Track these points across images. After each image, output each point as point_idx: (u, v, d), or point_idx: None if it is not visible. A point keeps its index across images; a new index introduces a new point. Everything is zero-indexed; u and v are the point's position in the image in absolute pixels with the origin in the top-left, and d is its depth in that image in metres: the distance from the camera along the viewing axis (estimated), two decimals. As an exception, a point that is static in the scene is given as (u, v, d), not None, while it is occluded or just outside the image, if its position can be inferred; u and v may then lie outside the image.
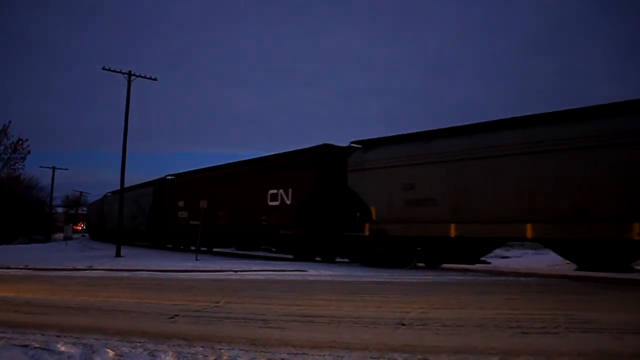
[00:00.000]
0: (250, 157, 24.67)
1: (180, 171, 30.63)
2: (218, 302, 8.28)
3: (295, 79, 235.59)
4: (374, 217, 16.59)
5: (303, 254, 20.01)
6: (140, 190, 35.04)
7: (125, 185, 37.52)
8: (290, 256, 21.19)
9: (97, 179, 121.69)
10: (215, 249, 28.06)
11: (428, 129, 15.74)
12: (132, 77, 24.94)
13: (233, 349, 5.00)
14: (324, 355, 4.79)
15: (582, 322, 6.44)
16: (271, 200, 20.79)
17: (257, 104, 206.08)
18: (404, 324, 6.32)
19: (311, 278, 13.12)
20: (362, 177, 17.11)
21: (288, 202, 19.99)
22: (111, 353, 4.84)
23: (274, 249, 22.85)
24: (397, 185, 15.89)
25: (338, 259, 19.91)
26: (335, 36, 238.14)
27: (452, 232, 14.32)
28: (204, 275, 13.88)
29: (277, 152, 21.80)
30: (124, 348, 5.01)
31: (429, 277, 13.53)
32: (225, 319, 6.81)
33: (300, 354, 4.82)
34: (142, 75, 25.35)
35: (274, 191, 20.71)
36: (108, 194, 44.09)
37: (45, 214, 60.81)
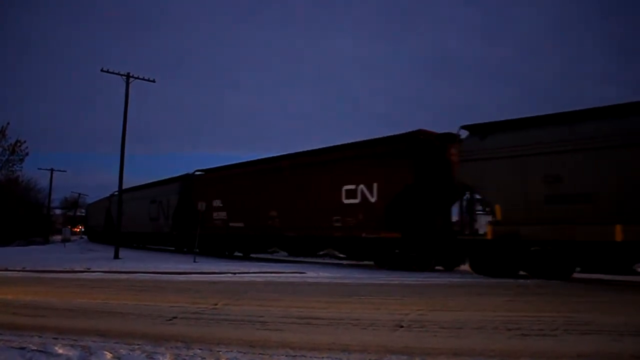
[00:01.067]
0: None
1: (206, 167, 27.77)
2: (216, 304, 8.27)
3: (295, 80, 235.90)
4: (499, 217, 13.77)
5: (392, 261, 16.94)
6: (161, 188, 31.08)
7: (137, 184, 37.02)
8: (368, 263, 18.73)
9: (95, 180, 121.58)
10: (255, 254, 24.92)
11: (569, 110, 13.00)
12: (131, 79, 24.93)
13: (231, 351, 5.00)
14: (323, 357, 4.78)
15: (581, 324, 6.44)
16: (347, 198, 17.52)
17: (257, 105, 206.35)
18: (402, 326, 6.31)
19: (310, 280, 13.10)
20: (481, 168, 14.09)
21: (372, 200, 16.72)
22: (109, 355, 4.83)
23: (342, 255, 19.55)
24: (535, 177, 13.02)
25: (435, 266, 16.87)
26: (335, 38, 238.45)
27: (618, 236, 11.53)
28: (202, 277, 13.85)
29: (351, 142, 18.67)
30: (121, 350, 5.00)
31: (427, 279, 13.51)
32: (224, 321, 6.79)
33: (299, 356, 4.81)
34: (141, 77, 25.34)
35: (351, 187, 17.41)
36: (116, 193, 41.20)
37: (44, 216, 60.69)
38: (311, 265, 18.36)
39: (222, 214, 23.87)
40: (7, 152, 44.74)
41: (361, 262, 19.46)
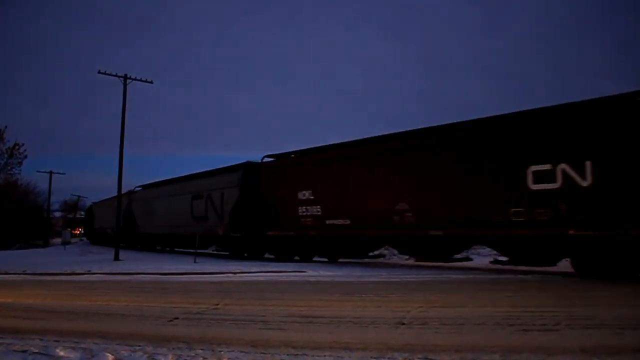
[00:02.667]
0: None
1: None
2: (217, 304, 8.26)
3: (294, 79, 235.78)
4: None
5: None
6: (211, 179, 25.10)
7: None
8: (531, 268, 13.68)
9: (94, 183, 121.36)
10: (361, 259, 19.10)
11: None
12: (128, 81, 24.91)
13: (233, 350, 4.99)
14: (325, 355, 4.78)
15: (582, 319, 6.44)
16: (536, 182, 12.89)
17: (256, 105, 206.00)
18: (404, 323, 6.31)
19: (311, 279, 13.10)
20: None
21: (584, 184, 12.02)
22: (110, 357, 4.83)
23: (505, 258, 14.27)
24: None
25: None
26: (333, 37, 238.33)
27: None
28: (203, 278, 13.85)
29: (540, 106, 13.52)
30: (123, 352, 4.99)
31: (428, 276, 13.52)
32: (225, 321, 6.79)
33: (301, 355, 4.81)
34: (138, 78, 25.34)
35: (544, 167, 12.75)
36: (138, 189, 35.07)
37: (43, 219, 60.68)
38: (311, 264, 18.34)
39: (315, 209, 18.71)
40: (6, 155, 44.86)
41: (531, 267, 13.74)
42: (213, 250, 26.57)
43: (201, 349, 5.05)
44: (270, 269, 15.61)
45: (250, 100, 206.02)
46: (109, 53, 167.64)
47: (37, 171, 56.91)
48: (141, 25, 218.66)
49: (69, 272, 16.12)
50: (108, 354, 4.90)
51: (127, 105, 24.93)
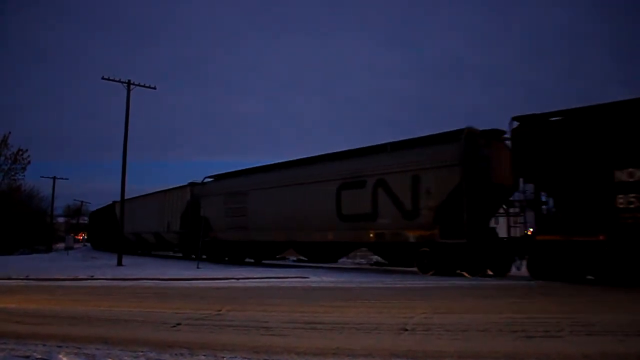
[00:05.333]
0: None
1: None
2: (220, 310, 8.25)
3: (301, 85, 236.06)
4: None
5: None
6: (383, 158, 17.19)
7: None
8: None
9: (98, 188, 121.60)
10: None
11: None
12: (132, 86, 25.00)
13: (236, 357, 4.98)
14: (327, 362, 4.77)
15: (586, 325, 6.41)
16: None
17: (263, 111, 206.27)
18: (407, 330, 6.29)
19: (313, 284, 13.08)
20: None
21: None
22: (113, 363, 4.83)
23: None
24: None
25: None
26: (340, 43, 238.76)
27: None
28: (205, 284, 13.85)
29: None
30: (126, 357, 4.99)
31: (430, 282, 13.49)
32: (228, 327, 6.78)
33: (303, 361, 4.80)
34: (142, 84, 25.42)
35: None
36: (208, 180, 26.57)
37: (47, 224, 60.74)
38: (314, 269, 18.32)
39: None
40: (9, 161, 44.98)
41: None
42: (375, 266, 20.26)
43: (204, 355, 5.04)
44: (272, 275, 15.59)
45: (256, 105, 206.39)
46: (116, 59, 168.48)
47: (41, 176, 57.18)
48: (149, 32, 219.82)
49: (71, 277, 16.12)
50: (111, 360, 4.90)
51: (132, 111, 24.97)
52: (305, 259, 22.00)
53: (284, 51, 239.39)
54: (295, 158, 21.23)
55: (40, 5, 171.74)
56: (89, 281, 15.03)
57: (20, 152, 45.08)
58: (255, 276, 15.27)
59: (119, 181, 25.69)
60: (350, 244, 19.95)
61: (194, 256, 25.64)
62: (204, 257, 24.22)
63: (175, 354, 5.09)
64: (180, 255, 28.37)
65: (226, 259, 24.58)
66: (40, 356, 5.08)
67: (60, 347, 5.49)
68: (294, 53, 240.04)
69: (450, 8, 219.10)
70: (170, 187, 29.02)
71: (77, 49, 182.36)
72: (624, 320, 6.86)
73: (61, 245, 57.56)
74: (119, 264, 23.55)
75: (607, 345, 5.33)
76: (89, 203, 77.77)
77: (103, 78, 24.53)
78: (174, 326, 6.86)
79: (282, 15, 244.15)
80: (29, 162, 45.93)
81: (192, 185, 26.83)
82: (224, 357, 4.95)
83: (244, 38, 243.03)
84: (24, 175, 47.57)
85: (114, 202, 38.19)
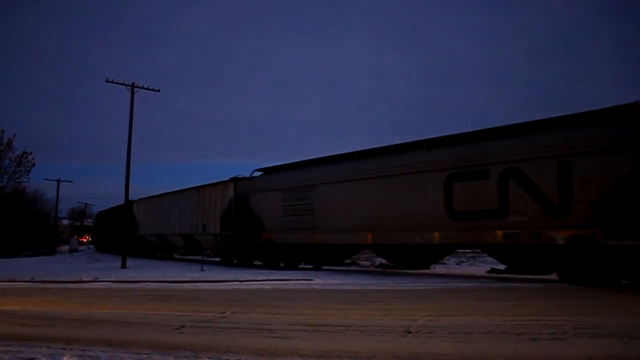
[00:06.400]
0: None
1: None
2: (224, 313, 8.26)
3: (304, 87, 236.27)
4: None
5: None
6: (515, 141, 13.89)
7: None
8: None
9: (102, 190, 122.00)
10: None
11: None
12: (135, 89, 25.06)
13: (239, 359, 4.99)
14: (331, 364, 4.77)
15: (590, 327, 6.40)
16: None
17: (267, 114, 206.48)
18: (410, 332, 6.29)
19: (317, 287, 13.08)
20: None
21: None
22: (117, 365, 4.84)
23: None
24: None
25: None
26: (343, 45, 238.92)
27: None
28: (209, 286, 13.85)
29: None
30: (130, 359, 5.00)
31: (433, 284, 13.47)
32: (232, 329, 6.79)
33: (307, 364, 4.80)
34: (145, 86, 25.47)
35: None
36: (257, 174, 22.98)
37: (51, 227, 60.93)
38: (318, 272, 18.31)
39: None
40: (14, 163, 45.12)
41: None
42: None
43: (207, 357, 5.05)
44: (276, 277, 15.58)
45: (260, 108, 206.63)
46: (120, 62, 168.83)
47: (45, 179, 57.23)
48: (153, 35, 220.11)
49: (76, 279, 16.16)
50: (115, 362, 4.92)
51: (136, 114, 25.01)
52: (391, 264, 18.28)
53: (287, 53, 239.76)
54: (377, 146, 17.64)
55: (43, 8, 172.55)
56: (93, 283, 15.06)
57: (25, 155, 45.23)
58: (259, 278, 15.27)
59: (123, 183, 25.74)
60: (458, 247, 17.53)
61: (236, 261, 23.46)
62: (255, 262, 22.50)
63: (179, 357, 5.10)
64: (219, 260, 24.63)
65: (282, 264, 21.02)
66: (44, 358, 5.10)
67: (64, 349, 5.51)
68: (297, 54, 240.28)
69: (453, 9, 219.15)
70: (208, 183, 25.40)
71: (81, 51, 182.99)
72: (628, 323, 6.84)
73: (65, 247, 57.74)
74: (123, 266, 23.59)
75: (611, 348, 5.31)
76: (93, 205, 78.07)
77: (107, 81, 24.60)
78: (178, 328, 6.87)
79: (284, 16, 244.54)
80: (33, 165, 46.07)
81: (235, 180, 23.26)
82: (227, 360, 4.96)
83: (246, 40, 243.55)
84: (29, 178, 47.69)
85: (131, 201, 34.32)
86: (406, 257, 17.48)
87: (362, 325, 6.85)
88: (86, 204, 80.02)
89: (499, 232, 13.56)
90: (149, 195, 34.38)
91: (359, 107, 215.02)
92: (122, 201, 28.33)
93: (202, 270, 19.99)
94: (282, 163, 21.55)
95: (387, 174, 16.34)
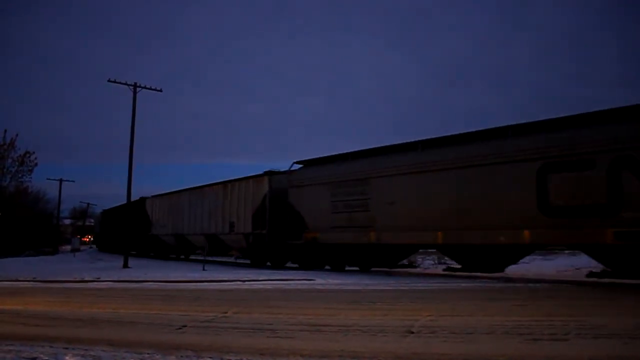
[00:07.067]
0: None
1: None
2: (226, 312, 8.26)
3: (309, 87, 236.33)
4: None
5: None
6: None
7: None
8: None
9: (104, 190, 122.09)
10: None
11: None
12: (138, 89, 25.09)
13: (241, 359, 4.99)
14: (333, 364, 4.77)
15: (593, 328, 6.38)
16: None
17: (271, 114, 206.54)
18: (412, 332, 6.28)
19: (318, 287, 13.07)
20: None
21: None
22: (119, 365, 4.84)
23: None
24: None
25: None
26: (346, 46, 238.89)
27: None
28: (211, 286, 13.86)
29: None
30: (131, 359, 5.00)
31: (435, 284, 13.45)
32: (234, 329, 6.79)
33: (309, 364, 4.80)
34: (148, 86, 25.51)
35: None
36: (296, 166, 20.62)
37: (53, 226, 61.03)
38: (320, 272, 18.30)
39: None
40: (17, 163, 45.27)
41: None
42: None
43: (209, 357, 5.05)
44: (278, 277, 15.58)
45: (264, 108, 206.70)
46: (122, 62, 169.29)
47: (47, 179, 57.36)
48: (156, 35, 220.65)
49: (78, 279, 16.18)
50: (117, 362, 4.92)
51: (139, 114, 25.04)
52: (459, 265, 15.88)
53: (291, 53, 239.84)
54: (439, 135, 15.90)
55: (45, 8, 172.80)
56: (95, 283, 15.08)
57: (27, 155, 45.40)
58: (261, 278, 15.28)
59: (125, 183, 25.75)
60: (549, 246, 15.85)
61: (269, 263, 21.48)
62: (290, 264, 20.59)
63: (181, 356, 5.10)
64: (248, 262, 22.58)
65: (327, 267, 19.06)
66: (46, 358, 5.10)
67: (66, 348, 5.52)
68: (301, 55, 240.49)
69: (456, 10, 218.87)
70: (236, 178, 23.17)
71: (83, 51, 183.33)
72: (630, 323, 6.82)
73: (67, 247, 57.83)
74: (125, 266, 23.61)
75: (613, 349, 5.30)
76: (95, 205, 78.08)
77: (109, 80, 24.65)
78: (180, 328, 6.87)
79: (288, 17, 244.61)
80: (35, 165, 46.23)
81: (270, 174, 21.14)
82: (229, 359, 4.96)
83: (250, 40, 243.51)
84: (31, 178, 47.90)
85: (144, 198, 33.26)
86: (481, 258, 15.06)
87: (363, 325, 6.84)
88: (88, 204, 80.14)
89: (609, 231, 11.75)
90: (154, 194, 32.88)
91: (363, 107, 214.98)
92: (124, 201, 28.11)
93: (203, 270, 20.00)
94: (328, 155, 19.39)
95: (463, 165, 14.47)
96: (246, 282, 14.36)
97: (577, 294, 10.86)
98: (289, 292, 12.09)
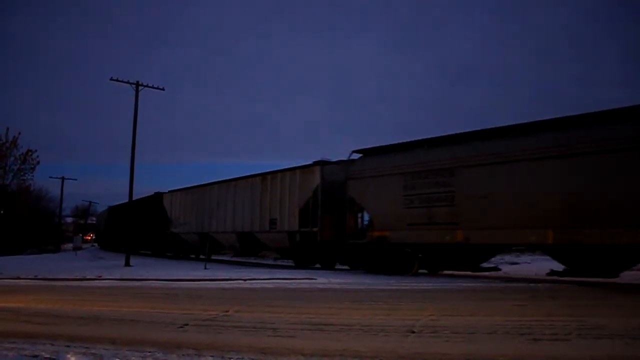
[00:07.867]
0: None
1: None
2: (227, 311, 8.27)
3: (311, 87, 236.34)
4: None
5: None
6: None
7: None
8: None
9: (106, 189, 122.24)
10: None
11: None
12: (140, 87, 25.10)
13: (243, 358, 4.99)
14: (334, 363, 4.77)
15: (594, 328, 6.38)
16: None
17: (272, 113, 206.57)
18: (414, 332, 6.28)
19: (320, 286, 13.08)
20: None
21: None
22: (121, 363, 4.85)
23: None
24: None
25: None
26: (348, 45, 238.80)
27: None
28: (213, 284, 13.87)
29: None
30: (133, 358, 5.01)
31: (437, 284, 13.45)
32: (235, 328, 6.79)
33: (310, 363, 4.80)
34: (150, 85, 25.52)
35: None
36: (355, 155, 18.17)
37: (55, 224, 61.13)
38: (321, 271, 18.29)
39: None
40: (19, 161, 45.37)
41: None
42: None
43: (211, 356, 5.05)
44: (280, 276, 15.59)
45: (265, 107, 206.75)
46: (123, 62, 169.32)
47: (50, 177, 57.54)
48: (156, 34, 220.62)
49: (80, 277, 16.20)
50: (118, 360, 4.93)
51: (142, 113, 25.06)
52: (567, 267, 13.18)
53: (291, 53, 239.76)
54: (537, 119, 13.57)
55: (47, 7, 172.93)
56: (97, 281, 15.09)
57: (30, 153, 45.48)
58: (262, 277, 15.28)
59: (127, 182, 25.73)
60: None
61: (319, 265, 19.27)
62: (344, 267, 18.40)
63: (183, 355, 5.11)
64: (292, 264, 20.37)
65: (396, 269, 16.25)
66: (48, 356, 5.11)
67: (68, 346, 5.52)
68: (304, 55, 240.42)
69: (459, 11, 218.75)
70: (278, 169, 20.88)
71: (84, 51, 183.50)
72: (631, 323, 6.82)
73: (69, 245, 57.91)
74: (127, 264, 23.62)
75: (614, 349, 5.30)
76: (97, 203, 78.25)
77: (111, 79, 24.67)
78: (181, 327, 6.88)
79: (288, 17, 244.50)
80: (37, 163, 46.31)
81: (323, 164, 18.74)
82: (230, 358, 4.96)
83: (250, 40, 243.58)
84: (33, 176, 47.98)
85: (160, 193, 30.48)
86: (598, 260, 12.44)
87: (365, 324, 6.84)
88: (90, 202, 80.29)
89: None
90: (172, 189, 30.68)
91: (366, 107, 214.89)
92: (125, 199, 27.75)
93: (205, 268, 20.02)
94: (396, 142, 16.91)
95: (581, 152, 12.14)
96: (247, 281, 14.36)
97: (578, 294, 10.85)
98: (291, 291, 12.09)
